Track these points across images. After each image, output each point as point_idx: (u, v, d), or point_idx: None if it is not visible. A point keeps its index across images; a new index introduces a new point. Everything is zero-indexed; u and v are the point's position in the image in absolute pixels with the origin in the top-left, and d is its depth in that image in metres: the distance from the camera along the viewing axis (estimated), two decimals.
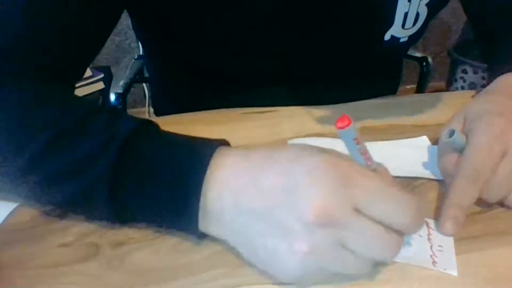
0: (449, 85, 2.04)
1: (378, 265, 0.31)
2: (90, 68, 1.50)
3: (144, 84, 1.74)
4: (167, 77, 0.69)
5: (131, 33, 1.69)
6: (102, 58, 1.74)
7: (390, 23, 0.53)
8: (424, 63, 1.10)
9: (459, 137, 0.39)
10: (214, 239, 0.35)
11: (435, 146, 0.45)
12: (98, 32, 0.48)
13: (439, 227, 0.36)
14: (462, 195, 0.37)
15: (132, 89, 1.01)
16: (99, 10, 0.45)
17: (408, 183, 0.42)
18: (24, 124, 0.36)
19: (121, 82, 0.96)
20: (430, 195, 0.41)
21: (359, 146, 0.30)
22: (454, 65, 1.99)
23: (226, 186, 0.32)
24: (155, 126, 0.37)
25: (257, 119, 0.55)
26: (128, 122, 0.36)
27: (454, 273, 0.32)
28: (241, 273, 0.33)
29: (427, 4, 0.52)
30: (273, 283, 0.32)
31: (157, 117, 0.73)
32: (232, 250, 0.34)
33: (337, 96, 0.57)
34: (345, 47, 0.56)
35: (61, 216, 0.38)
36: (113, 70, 1.68)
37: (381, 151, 0.46)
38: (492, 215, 0.38)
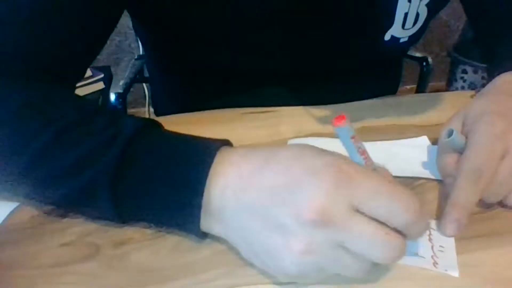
0: (449, 85, 2.04)
1: (377, 266, 0.31)
2: (90, 68, 1.50)
3: (144, 84, 1.74)
4: (167, 77, 0.69)
5: (131, 33, 1.69)
6: (102, 58, 1.74)
7: (390, 23, 0.53)
8: (424, 63, 1.10)
9: (458, 137, 0.39)
10: (214, 239, 0.35)
11: (435, 146, 0.45)
12: (98, 32, 0.48)
13: (441, 229, 0.36)
14: (464, 195, 0.37)
15: (132, 89, 1.01)
16: (99, 10, 0.45)
17: (408, 183, 0.42)
18: (27, 123, 0.36)
19: (121, 82, 0.96)
20: (430, 195, 0.41)
21: (357, 144, 0.31)
22: (454, 65, 1.99)
23: (228, 184, 0.32)
24: (158, 125, 0.37)
25: (257, 119, 0.55)
26: (131, 122, 0.36)
27: (456, 274, 0.32)
28: (241, 273, 0.33)
29: (427, 5, 0.52)
30: (273, 283, 0.32)
31: (157, 117, 0.73)
32: (232, 250, 0.34)
33: (337, 96, 0.57)
34: (345, 47, 0.56)
35: (61, 216, 0.38)
36: (113, 70, 1.68)
37: (381, 151, 0.46)
38: (492, 215, 0.38)
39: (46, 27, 0.42)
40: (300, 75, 0.58)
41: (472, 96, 0.51)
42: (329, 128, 0.52)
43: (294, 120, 0.54)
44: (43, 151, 0.35)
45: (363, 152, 0.31)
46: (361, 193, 0.28)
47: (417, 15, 0.53)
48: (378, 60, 0.63)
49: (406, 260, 0.33)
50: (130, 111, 1.79)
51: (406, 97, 0.62)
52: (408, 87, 1.88)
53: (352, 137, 0.30)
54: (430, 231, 0.36)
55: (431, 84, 1.34)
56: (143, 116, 0.39)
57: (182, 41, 0.55)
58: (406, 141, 0.49)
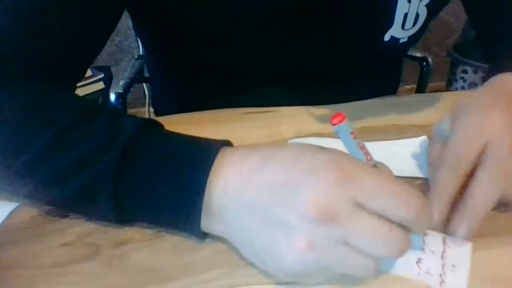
0: (449, 85, 2.04)
1: (381, 266, 0.31)
2: (90, 68, 1.50)
3: (144, 84, 1.74)
4: (167, 77, 0.69)
5: (131, 33, 1.69)
6: (102, 58, 1.74)
7: (389, 23, 0.53)
8: (424, 63, 1.10)
9: (446, 127, 0.40)
10: (214, 239, 0.35)
11: None
12: (98, 32, 0.48)
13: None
14: (443, 183, 0.37)
15: (132, 89, 1.01)
16: (99, 10, 0.45)
17: (408, 183, 0.42)
18: (27, 122, 0.36)
19: (121, 82, 0.96)
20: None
21: (356, 140, 0.31)
22: (454, 65, 1.99)
23: (228, 184, 0.32)
24: (159, 125, 0.37)
25: (257, 119, 0.55)
26: (132, 122, 0.36)
27: None
28: (241, 273, 0.33)
29: (427, 5, 0.52)
30: (273, 283, 0.32)
31: (157, 117, 0.73)
32: (232, 250, 0.34)
33: (337, 96, 0.57)
34: (344, 47, 0.56)
35: (61, 216, 0.38)
36: (113, 70, 1.68)
37: (381, 151, 0.46)
38: (492, 215, 0.38)
39: (46, 27, 0.42)
40: (300, 75, 0.58)
41: None
42: (329, 128, 0.52)
43: (294, 120, 0.54)
44: (43, 152, 0.35)
45: (363, 148, 0.31)
46: (363, 190, 0.28)
47: (417, 15, 0.53)
48: (378, 60, 0.63)
49: (413, 275, 0.32)
50: (130, 111, 1.79)
51: (406, 97, 0.62)
52: (408, 87, 1.88)
53: (351, 133, 0.30)
54: (445, 248, 0.35)
55: (431, 84, 1.34)
56: (143, 116, 0.39)
57: (182, 41, 0.55)
58: (406, 141, 0.49)
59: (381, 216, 0.28)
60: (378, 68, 0.65)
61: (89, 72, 1.49)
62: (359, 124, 0.52)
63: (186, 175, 0.33)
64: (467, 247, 0.35)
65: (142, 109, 1.82)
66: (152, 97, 0.86)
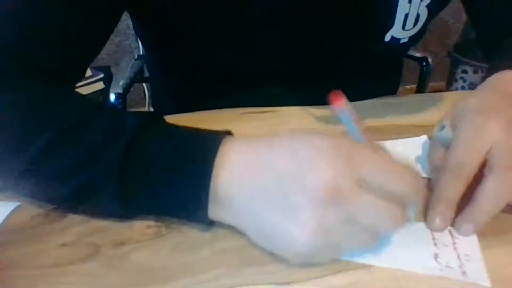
0: (449, 85, 2.04)
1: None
2: (90, 68, 1.50)
3: (144, 84, 1.74)
4: (167, 77, 0.69)
5: (131, 33, 1.69)
6: (102, 58, 1.74)
7: (390, 24, 0.53)
8: (424, 63, 1.10)
9: (448, 132, 0.40)
10: (214, 240, 0.35)
11: None
12: (99, 32, 0.48)
13: (428, 223, 0.36)
14: (447, 189, 0.37)
15: (132, 89, 1.01)
16: (100, 10, 0.45)
17: None
18: (29, 120, 0.36)
19: (121, 82, 0.96)
20: (430, 195, 0.41)
21: (357, 122, 0.33)
22: (454, 65, 1.99)
23: (234, 172, 0.33)
24: (160, 119, 0.38)
25: (257, 119, 0.55)
26: (134, 117, 0.36)
27: (487, 284, 0.32)
28: (241, 273, 0.33)
29: (427, 6, 0.52)
30: (273, 283, 0.32)
31: None
32: (232, 250, 0.34)
33: None
34: (345, 48, 0.56)
35: (61, 216, 0.38)
36: (113, 70, 1.68)
37: None
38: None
39: (46, 27, 0.42)
40: (300, 75, 0.58)
41: None
42: (329, 128, 0.52)
43: (294, 120, 0.54)
44: (46, 150, 0.35)
45: (363, 129, 0.33)
46: (364, 169, 0.30)
47: (418, 16, 0.53)
48: (378, 61, 0.63)
49: (434, 271, 0.32)
50: (130, 111, 1.79)
51: (406, 97, 0.62)
52: (408, 87, 1.88)
53: (352, 115, 0.32)
54: (454, 240, 0.35)
55: (431, 84, 1.34)
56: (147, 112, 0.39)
57: (182, 41, 0.55)
58: (406, 141, 0.49)
59: (382, 195, 0.30)
60: (378, 68, 0.65)
61: (89, 72, 1.49)
62: None
63: (191, 165, 0.33)
64: (473, 235, 0.36)
65: (142, 109, 1.82)
66: (152, 97, 0.86)
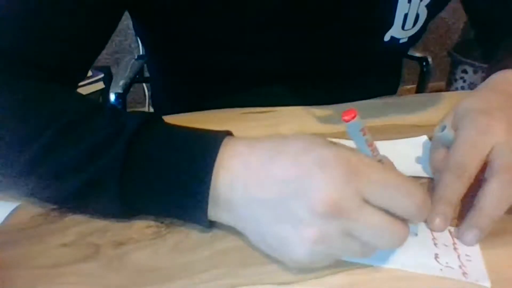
0: (449, 85, 2.04)
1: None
2: (90, 68, 1.50)
3: (144, 84, 1.74)
4: (167, 76, 0.69)
5: (131, 33, 1.69)
6: (102, 58, 1.74)
7: (389, 24, 0.53)
8: (424, 63, 1.10)
9: (450, 132, 0.40)
10: (214, 240, 0.35)
11: None
12: (100, 32, 0.48)
13: (429, 223, 0.36)
14: (448, 189, 0.37)
15: (132, 89, 1.01)
16: (101, 10, 0.45)
17: None
18: (31, 119, 0.36)
19: (121, 82, 0.96)
20: (431, 195, 0.41)
21: (365, 137, 0.31)
22: (454, 65, 1.99)
23: (236, 177, 0.32)
24: (160, 119, 0.38)
25: (257, 119, 0.55)
26: (135, 116, 0.36)
27: (487, 284, 0.32)
28: (241, 273, 0.33)
29: (427, 6, 0.52)
30: (273, 283, 0.32)
31: None
32: (232, 250, 0.34)
33: (337, 96, 0.57)
34: (345, 47, 0.56)
35: (61, 216, 0.38)
36: (113, 70, 1.68)
37: (381, 149, 0.46)
38: None
39: (47, 26, 0.42)
40: (300, 75, 0.58)
41: None
42: (329, 128, 0.52)
43: (294, 120, 0.54)
44: (47, 148, 0.35)
45: (371, 144, 0.32)
46: (369, 185, 0.29)
47: (417, 16, 0.53)
48: (378, 61, 0.63)
49: (434, 272, 0.32)
50: (130, 111, 1.79)
51: (406, 97, 0.62)
52: (408, 87, 1.88)
53: (361, 130, 0.31)
54: (454, 240, 0.35)
55: (431, 84, 1.34)
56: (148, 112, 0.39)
57: (182, 41, 0.55)
58: (406, 140, 0.49)
59: (384, 210, 0.30)
60: (378, 68, 0.65)
61: (89, 72, 1.49)
62: None
63: (191, 165, 0.33)
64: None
65: (142, 109, 1.82)
66: (152, 97, 0.86)
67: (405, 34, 0.55)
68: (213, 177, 0.32)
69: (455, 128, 0.41)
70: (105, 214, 0.37)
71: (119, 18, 0.49)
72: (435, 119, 0.47)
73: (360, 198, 0.29)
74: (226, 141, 0.34)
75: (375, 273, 0.33)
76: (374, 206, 0.30)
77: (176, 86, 0.68)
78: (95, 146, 0.34)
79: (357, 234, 0.30)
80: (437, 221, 0.36)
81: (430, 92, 0.73)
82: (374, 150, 0.32)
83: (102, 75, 1.55)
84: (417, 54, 1.10)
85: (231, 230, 0.35)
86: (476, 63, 1.86)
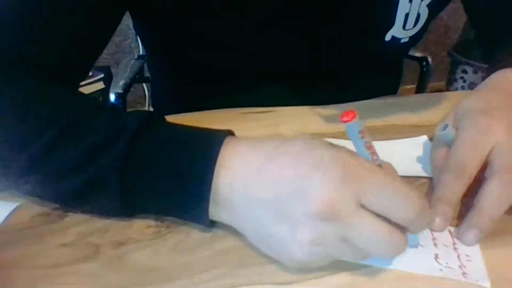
0: (449, 85, 2.04)
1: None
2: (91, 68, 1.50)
3: (144, 84, 1.74)
4: (167, 76, 0.69)
5: (131, 33, 1.69)
6: (102, 58, 1.73)
7: (390, 23, 0.53)
8: (424, 63, 1.10)
9: (451, 131, 0.40)
10: (214, 240, 0.35)
11: None
12: (101, 32, 0.48)
13: (429, 224, 0.36)
14: (448, 189, 0.37)
15: (132, 89, 1.01)
16: (102, 10, 0.45)
17: (409, 182, 0.42)
18: (31, 119, 0.36)
19: (121, 82, 0.96)
20: (431, 195, 0.41)
21: (364, 139, 0.31)
22: (454, 65, 1.99)
23: (236, 177, 0.32)
24: (161, 118, 0.38)
25: (257, 119, 0.55)
26: (135, 115, 0.36)
27: (487, 285, 0.32)
28: (241, 273, 0.33)
29: (428, 5, 0.52)
30: (273, 283, 0.32)
31: None
32: (232, 250, 0.34)
33: (337, 96, 0.57)
34: (345, 47, 0.56)
35: (61, 216, 0.38)
36: (113, 70, 1.68)
37: (381, 150, 0.46)
38: None
39: (47, 26, 0.42)
40: (300, 75, 0.58)
41: None
42: (329, 128, 0.52)
43: (294, 120, 0.54)
44: (48, 147, 0.35)
45: (370, 148, 0.32)
46: (367, 189, 0.29)
47: (418, 15, 0.53)
48: (379, 60, 0.63)
49: (434, 272, 0.32)
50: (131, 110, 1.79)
51: (406, 97, 0.62)
52: (408, 87, 1.88)
53: (360, 132, 0.31)
54: (454, 240, 0.35)
55: (431, 84, 1.34)
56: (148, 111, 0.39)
57: (182, 41, 0.55)
58: (406, 140, 0.49)
59: (382, 216, 0.29)
60: (378, 68, 0.65)
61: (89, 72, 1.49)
62: None
63: (192, 165, 0.33)
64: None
65: (142, 109, 1.82)
66: (152, 97, 0.86)
67: (406, 34, 0.55)
68: (214, 177, 0.33)
69: (456, 128, 0.41)
70: (105, 213, 0.37)
71: (119, 18, 0.49)
72: (435, 119, 0.47)
73: (357, 202, 0.29)
74: (227, 140, 0.34)
75: (375, 273, 0.33)
76: (371, 211, 0.29)
77: (176, 86, 0.68)
78: (95, 146, 0.34)
79: (352, 240, 0.29)
80: (437, 221, 0.36)
81: (430, 92, 0.73)
82: (374, 153, 0.32)
83: (102, 75, 1.55)
84: (417, 54, 1.10)
85: (231, 230, 0.35)
86: (476, 63, 1.86)
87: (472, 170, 0.37)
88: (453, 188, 0.37)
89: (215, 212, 0.34)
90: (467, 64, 1.90)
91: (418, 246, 0.34)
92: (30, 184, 0.37)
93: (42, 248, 0.35)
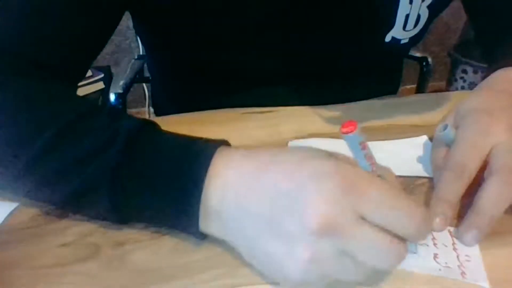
0: (449, 85, 2.04)
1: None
2: (90, 68, 1.50)
3: (144, 84, 1.74)
4: (167, 76, 0.69)
5: (131, 33, 1.69)
6: (102, 58, 1.74)
7: (391, 24, 0.53)
8: (424, 63, 1.10)
9: (451, 132, 0.40)
10: (214, 240, 0.35)
11: None
12: (100, 32, 0.48)
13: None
14: (448, 189, 0.37)
15: (132, 89, 1.01)
16: (101, 10, 0.45)
17: (409, 182, 0.42)
18: (27, 121, 0.36)
19: (121, 82, 0.96)
20: (431, 194, 0.41)
21: (364, 151, 0.30)
22: (454, 65, 1.99)
23: (230, 186, 0.31)
24: (155, 125, 0.37)
25: (257, 119, 0.55)
26: (129, 122, 0.36)
27: (486, 285, 0.31)
28: (241, 273, 0.33)
29: (428, 6, 0.52)
30: (274, 283, 0.32)
31: (157, 117, 0.73)
32: (232, 250, 0.34)
33: (337, 96, 0.57)
34: (345, 48, 0.56)
35: (61, 216, 0.38)
36: (113, 70, 1.68)
37: (381, 151, 0.46)
38: None
39: (47, 25, 0.42)
40: (300, 75, 0.58)
41: None
42: (329, 128, 0.52)
43: (294, 120, 0.54)
44: (43, 150, 0.34)
45: (370, 158, 0.30)
46: (366, 201, 0.28)
47: (418, 16, 0.53)
48: (379, 61, 0.63)
49: (433, 271, 0.32)
50: (130, 111, 1.79)
51: (406, 97, 0.62)
52: (408, 87, 1.88)
53: (361, 143, 0.29)
54: (453, 240, 0.35)
55: (431, 84, 1.34)
56: (143, 116, 0.39)
57: (182, 41, 0.55)
58: (406, 140, 0.49)
59: (382, 228, 0.28)
60: (378, 68, 0.65)
61: (89, 72, 1.49)
62: (359, 124, 0.52)
63: (183, 175, 0.32)
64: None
65: (142, 109, 1.82)
66: (152, 97, 0.86)
67: (406, 34, 0.55)
68: (204, 188, 0.31)
69: (456, 128, 0.41)
70: (100, 219, 0.37)
71: (119, 18, 0.49)
72: (435, 119, 0.47)
73: (356, 214, 0.28)
74: (220, 151, 0.33)
75: (374, 275, 0.32)
76: (371, 223, 0.28)
77: (176, 86, 0.68)
78: (89, 151, 0.34)
79: (352, 253, 0.28)
80: (437, 221, 0.36)
81: (430, 92, 0.73)
82: (374, 164, 0.31)
83: (102, 75, 1.55)
84: (417, 54, 1.10)
85: None
86: (476, 63, 1.86)
87: (472, 170, 0.37)
88: (453, 188, 0.37)
89: (205, 225, 0.33)
90: (467, 64, 1.90)
91: (416, 252, 0.34)
92: (26, 187, 0.37)
93: (42, 248, 0.35)
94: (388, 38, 0.54)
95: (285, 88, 0.60)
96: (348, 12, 0.52)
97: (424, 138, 0.49)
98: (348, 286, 0.31)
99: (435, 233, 0.36)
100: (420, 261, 0.33)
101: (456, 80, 1.98)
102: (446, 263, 0.33)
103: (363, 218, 0.28)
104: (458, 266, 0.33)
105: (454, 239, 0.35)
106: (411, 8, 0.52)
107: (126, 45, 1.79)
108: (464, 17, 0.66)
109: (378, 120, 0.54)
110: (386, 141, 0.49)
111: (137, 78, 1.03)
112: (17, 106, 0.38)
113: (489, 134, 0.38)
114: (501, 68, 0.48)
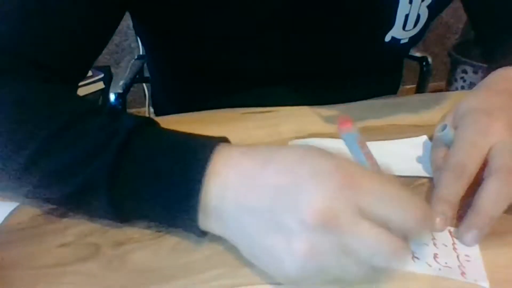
0: (449, 85, 2.04)
1: (382, 272, 0.31)
2: (90, 68, 1.50)
3: (144, 84, 1.74)
4: (167, 76, 0.69)
5: (131, 33, 1.69)
6: (102, 58, 1.73)
7: (390, 24, 0.53)
8: (424, 63, 1.10)
9: (450, 132, 0.40)
10: (214, 240, 0.35)
11: None
12: (100, 32, 0.48)
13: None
14: (448, 189, 0.37)
15: (132, 89, 1.01)
16: (102, 10, 0.45)
17: (409, 182, 0.42)
18: (26, 121, 0.36)
19: (121, 82, 0.96)
20: (431, 195, 0.41)
21: (362, 148, 0.30)
22: (454, 65, 1.99)
23: (229, 183, 0.31)
24: (154, 123, 0.37)
25: (257, 119, 0.55)
26: (128, 120, 0.36)
27: (486, 285, 0.31)
28: (241, 273, 0.33)
29: (428, 6, 0.52)
30: (273, 283, 0.32)
31: (157, 117, 0.73)
32: (232, 250, 0.34)
33: (337, 96, 0.57)
34: (345, 48, 0.56)
35: (61, 216, 0.38)
36: (113, 70, 1.68)
37: (381, 151, 0.46)
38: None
39: (47, 25, 0.42)
40: (300, 75, 0.58)
41: None
42: (329, 128, 0.52)
43: (294, 120, 0.54)
44: (40, 151, 0.35)
45: (369, 155, 0.30)
46: (366, 198, 0.28)
47: (418, 16, 0.53)
48: (378, 61, 0.63)
49: (433, 271, 0.32)
50: (130, 111, 1.79)
51: (406, 97, 0.62)
52: (408, 87, 1.88)
53: (359, 142, 0.30)
54: (453, 240, 0.35)
55: (431, 84, 1.34)
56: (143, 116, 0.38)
57: (182, 41, 0.55)
58: (406, 141, 0.49)
59: (382, 224, 0.28)
60: (378, 68, 0.65)
61: (89, 72, 1.49)
62: (359, 124, 0.52)
63: (182, 173, 0.32)
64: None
65: (142, 109, 1.82)
66: (152, 97, 0.86)
67: (406, 34, 0.55)
68: (204, 185, 0.31)
69: (455, 128, 0.41)
70: (99, 218, 0.37)
71: (119, 19, 0.49)
72: (435, 119, 0.47)
73: (356, 210, 0.28)
74: (219, 149, 0.33)
75: (374, 273, 0.32)
76: (370, 219, 0.28)
77: (176, 86, 0.68)
78: (87, 151, 0.34)
79: (351, 250, 0.28)
80: (437, 221, 0.35)
81: (430, 92, 0.73)
82: (373, 162, 0.31)
83: (102, 75, 1.55)
84: (417, 54, 1.10)
85: None
86: (476, 63, 1.86)
87: (472, 170, 0.37)
88: (453, 188, 0.37)
89: (205, 222, 0.33)
90: (467, 64, 1.90)
91: (436, 243, 0.34)
92: (26, 187, 0.37)
93: (42, 248, 0.35)
94: (388, 38, 0.54)
95: (285, 88, 0.60)
96: (348, 12, 0.52)
97: (424, 138, 0.49)
98: (347, 285, 0.31)
99: (435, 233, 0.36)
100: (420, 261, 0.33)
101: (456, 80, 1.98)
102: (446, 263, 0.33)
103: (362, 214, 0.28)
104: (458, 266, 0.33)
105: (454, 239, 0.35)
106: (410, 8, 0.52)
107: (126, 45, 1.79)
108: (464, 17, 0.66)
109: (378, 120, 0.54)
110: (386, 141, 0.49)
111: (137, 78, 1.03)
112: (17, 106, 0.38)
113: (488, 133, 0.38)
114: (501, 67, 0.48)
